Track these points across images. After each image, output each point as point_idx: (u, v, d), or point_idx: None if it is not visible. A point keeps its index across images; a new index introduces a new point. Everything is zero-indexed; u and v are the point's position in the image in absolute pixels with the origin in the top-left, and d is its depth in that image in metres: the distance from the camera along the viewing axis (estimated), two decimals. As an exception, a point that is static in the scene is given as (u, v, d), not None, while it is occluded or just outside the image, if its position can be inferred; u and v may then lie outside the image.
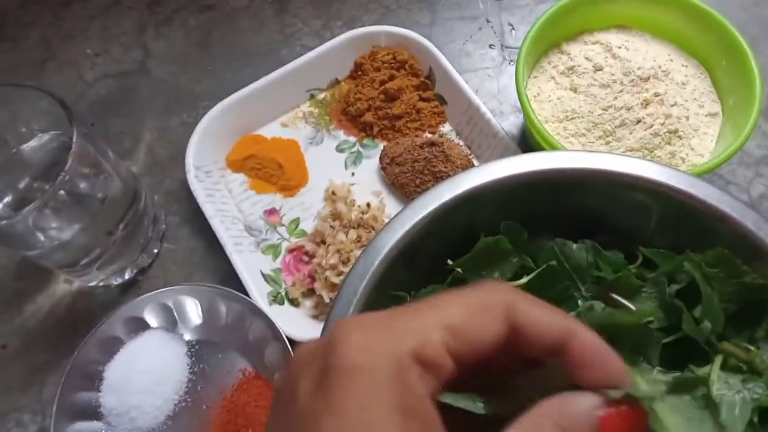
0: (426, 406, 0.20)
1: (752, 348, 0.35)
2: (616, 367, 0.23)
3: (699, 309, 0.36)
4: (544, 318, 0.23)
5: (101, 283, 0.55)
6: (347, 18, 0.67)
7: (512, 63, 0.63)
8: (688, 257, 0.37)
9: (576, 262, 0.39)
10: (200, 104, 0.63)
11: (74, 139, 0.43)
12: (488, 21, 0.65)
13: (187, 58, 0.66)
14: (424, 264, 0.40)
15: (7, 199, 0.50)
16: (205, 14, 0.68)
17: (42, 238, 0.48)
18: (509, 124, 0.59)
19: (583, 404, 0.22)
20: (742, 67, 0.50)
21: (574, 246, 0.39)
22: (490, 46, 0.64)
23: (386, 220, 0.53)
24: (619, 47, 0.52)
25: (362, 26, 0.64)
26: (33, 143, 0.50)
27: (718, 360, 0.32)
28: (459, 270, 0.40)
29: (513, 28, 0.64)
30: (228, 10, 0.68)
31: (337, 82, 0.62)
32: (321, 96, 0.62)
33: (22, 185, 0.51)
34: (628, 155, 0.48)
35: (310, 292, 0.53)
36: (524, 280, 0.39)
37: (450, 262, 0.40)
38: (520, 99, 0.48)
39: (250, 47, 0.66)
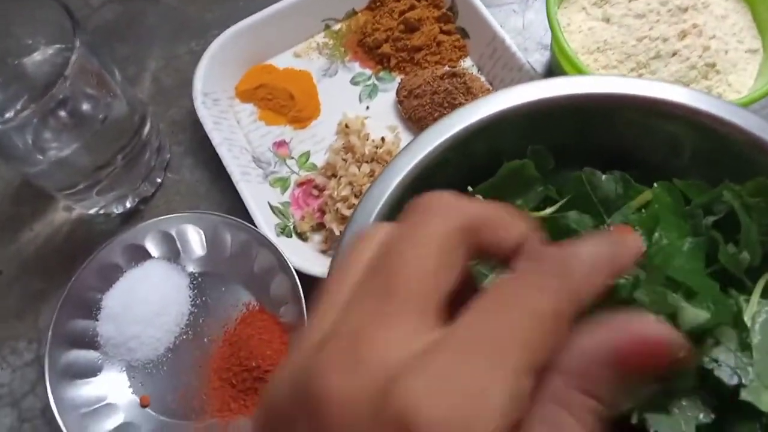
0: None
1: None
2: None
3: (733, 245, 0.35)
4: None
5: (101, 211, 0.53)
6: (367, -52, 0.64)
7: (539, -1, 0.60)
8: (727, 186, 0.35)
9: (604, 193, 0.37)
10: (210, 33, 0.60)
11: (77, 46, 0.41)
12: (515, -45, 0.62)
13: (198, -15, 0.64)
14: (440, 183, 0.38)
15: (8, 114, 0.48)
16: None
17: (41, 157, 0.46)
18: (533, 61, 0.56)
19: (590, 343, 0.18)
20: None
21: (603, 176, 0.37)
22: (517, -20, 0.61)
23: (402, 152, 0.51)
24: (657, -23, 0.49)
25: (382, -45, 0.61)
26: (37, 57, 0.48)
27: (763, 280, 0.30)
28: (480, 197, 0.38)
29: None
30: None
31: (354, 12, 0.60)
32: (336, 27, 0.59)
33: (21, 103, 0.49)
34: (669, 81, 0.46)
35: (319, 227, 0.51)
36: (549, 211, 0.37)
37: (471, 189, 0.39)
38: (550, 23, 0.45)
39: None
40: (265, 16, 0.56)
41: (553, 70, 0.55)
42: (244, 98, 0.57)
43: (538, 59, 0.57)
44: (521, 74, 0.51)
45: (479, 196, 0.38)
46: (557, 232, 0.36)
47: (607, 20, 0.48)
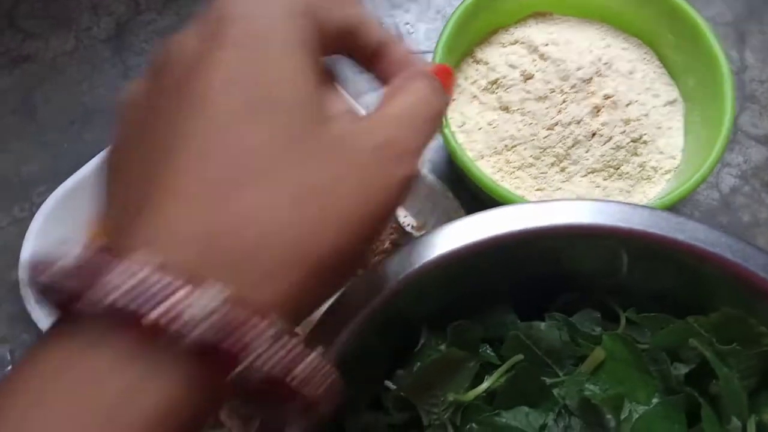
0: (315, 48, 0.23)
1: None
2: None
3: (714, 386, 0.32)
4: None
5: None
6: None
7: (421, 73, 0.56)
8: (693, 330, 0.33)
9: (548, 344, 0.34)
10: (35, 191, 0.53)
11: None
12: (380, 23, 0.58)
13: (7, 129, 0.56)
14: (359, 374, 0.34)
15: None
16: (21, 67, 0.58)
17: None
18: (431, 152, 0.52)
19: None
20: (696, 42, 0.45)
21: (542, 325, 0.35)
22: (390, 55, 0.57)
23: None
24: (546, 44, 0.46)
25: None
26: None
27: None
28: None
29: (411, 29, 0.57)
30: (50, 58, 0.58)
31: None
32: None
33: None
34: (582, 198, 0.43)
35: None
36: (484, 385, 0.34)
37: (391, 385, 0.34)
38: (446, 143, 0.41)
39: (88, 103, 0.57)
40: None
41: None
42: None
43: (436, 146, 0.52)
44: (420, 186, 0.47)
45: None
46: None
47: (507, 109, 0.45)
